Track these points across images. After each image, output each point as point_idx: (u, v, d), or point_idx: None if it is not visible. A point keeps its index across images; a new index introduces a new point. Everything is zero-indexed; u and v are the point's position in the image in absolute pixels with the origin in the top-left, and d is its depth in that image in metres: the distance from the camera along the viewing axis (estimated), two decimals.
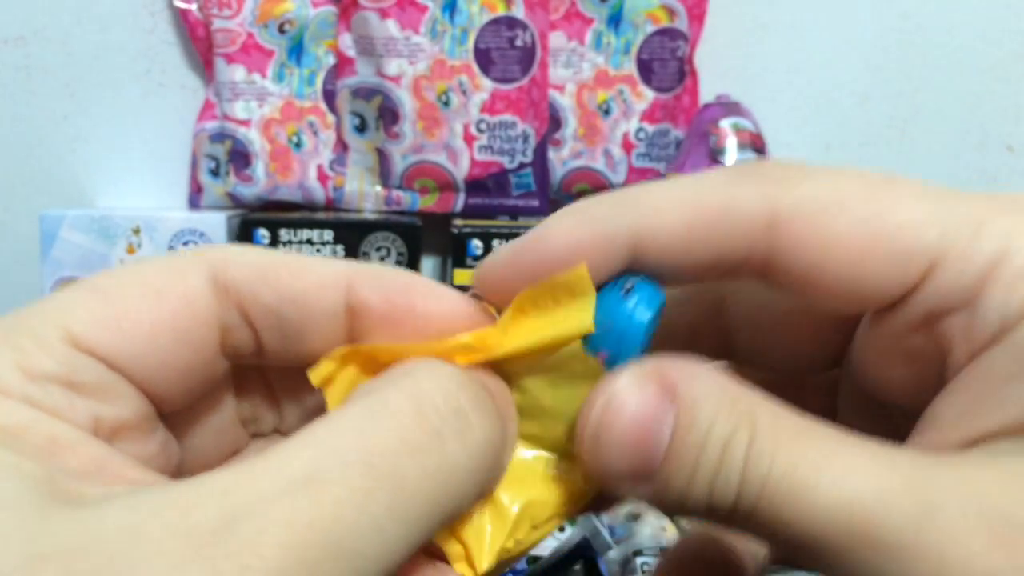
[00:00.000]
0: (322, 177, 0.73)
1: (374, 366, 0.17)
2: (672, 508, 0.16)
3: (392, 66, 0.70)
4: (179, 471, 0.18)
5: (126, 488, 0.13)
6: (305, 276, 0.17)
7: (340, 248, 0.67)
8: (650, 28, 0.72)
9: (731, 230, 0.16)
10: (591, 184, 0.74)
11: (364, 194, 0.74)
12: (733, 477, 0.15)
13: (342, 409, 0.14)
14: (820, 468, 0.14)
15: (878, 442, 0.15)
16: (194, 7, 0.71)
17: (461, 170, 0.72)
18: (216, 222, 0.67)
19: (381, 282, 0.17)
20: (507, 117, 0.71)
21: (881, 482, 0.14)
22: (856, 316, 0.18)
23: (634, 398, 0.15)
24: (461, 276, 0.67)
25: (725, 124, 0.67)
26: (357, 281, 0.17)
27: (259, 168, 0.72)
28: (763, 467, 0.14)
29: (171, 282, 0.16)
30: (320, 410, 0.18)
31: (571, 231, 0.17)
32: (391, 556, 0.13)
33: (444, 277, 0.74)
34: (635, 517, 0.49)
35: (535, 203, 0.73)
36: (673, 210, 0.17)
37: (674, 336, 0.20)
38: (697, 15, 0.72)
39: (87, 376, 0.15)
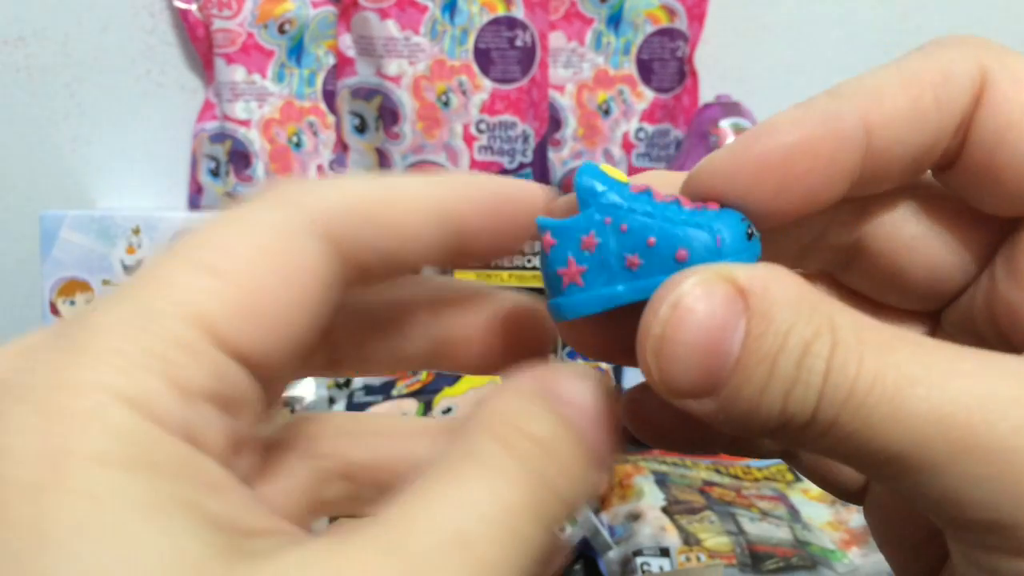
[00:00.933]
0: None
1: None
2: (739, 425, 0.14)
3: (392, 66, 0.70)
4: None
5: (282, 541, 0.13)
6: (400, 205, 0.16)
7: None
8: (650, 28, 0.72)
9: (950, 100, 0.15)
10: None
11: None
12: (812, 387, 0.13)
13: (460, 467, 0.14)
14: (914, 375, 0.13)
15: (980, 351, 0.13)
16: (194, 7, 0.71)
17: (461, 170, 0.72)
18: None
19: (481, 200, 0.17)
20: (507, 117, 0.71)
21: (988, 388, 0.13)
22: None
23: (702, 303, 0.14)
24: (461, 276, 0.67)
25: (725, 124, 0.67)
26: (456, 198, 0.17)
27: (259, 168, 0.72)
28: (848, 375, 0.13)
29: (289, 251, 0.14)
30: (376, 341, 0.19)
31: (800, 122, 0.15)
32: None
33: None
34: (635, 517, 0.49)
35: None
36: (895, 86, 0.16)
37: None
38: (697, 15, 0.72)
39: (238, 388, 0.14)
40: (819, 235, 0.18)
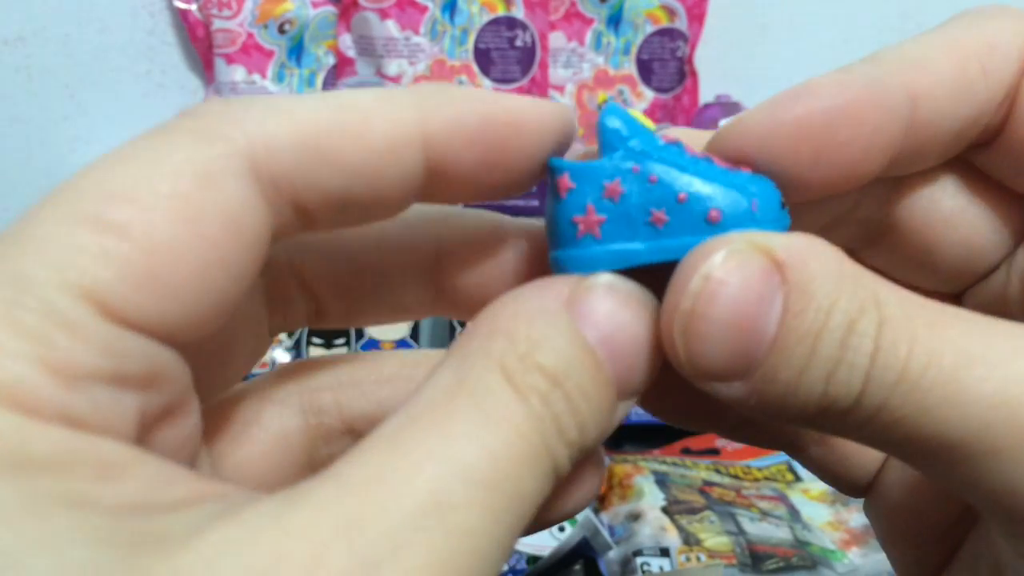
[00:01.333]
0: None
1: None
2: (772, 410, 0.13)
3: (392, 66, 0.70)
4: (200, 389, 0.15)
5: (207, 512, 0.11)
6: (369, 136, 0.13)
7: None
8: (650, 28, 0.72)
9: (996, 71, 0.14)
10: None
11: None
12: (858, 369, 0.12)
13: (448, 405, 0.12)
14: (973, 354, 0.12)
15: None
16: (194, 7, 0.71)
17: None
18: None
19: (462, 124, 0.14)
20: None
21: None
22: None
23: (735, 277, 0.13)
24: None
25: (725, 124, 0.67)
26: (432, 125, 0.14)
27: None
28: (899, 355, 0.12)
29: (208, 199, 0.12)
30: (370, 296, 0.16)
31: (845, 86, 0.14)
32: (504, 561, 0.12)
33: None
34: (635, 517, 0.49)
35: (535, 203, 0.73)
36: (940, 55, 0.14)
37: None
38: (697, 15, 0.72)
39: (136, 363, 0.12)
40: (848, 209, 0.17)
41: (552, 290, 0.14)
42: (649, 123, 0.15)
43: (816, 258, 0.13)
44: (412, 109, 0.13)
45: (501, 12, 0.70)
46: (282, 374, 0.17)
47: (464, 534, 0.11)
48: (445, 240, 0.17)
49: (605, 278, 0.14)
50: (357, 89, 0.14)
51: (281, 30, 0.72)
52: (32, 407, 0.10)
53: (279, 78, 0.73)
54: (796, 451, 0.19)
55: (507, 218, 0.17)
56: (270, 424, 0.17)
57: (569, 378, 0.13)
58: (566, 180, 0.15)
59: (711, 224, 0.14)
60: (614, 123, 0.15)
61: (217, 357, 0.16)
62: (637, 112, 0.15)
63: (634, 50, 0.72)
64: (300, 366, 0.18)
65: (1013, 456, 0.12)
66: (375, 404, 0.17)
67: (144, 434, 0.12)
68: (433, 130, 0.14)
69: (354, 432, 0.17)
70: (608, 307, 0.14)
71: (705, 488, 0.53)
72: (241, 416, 0.16)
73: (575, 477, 0.15)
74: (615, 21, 0.72)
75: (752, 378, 0.13)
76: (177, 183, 0.12)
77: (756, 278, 0.13)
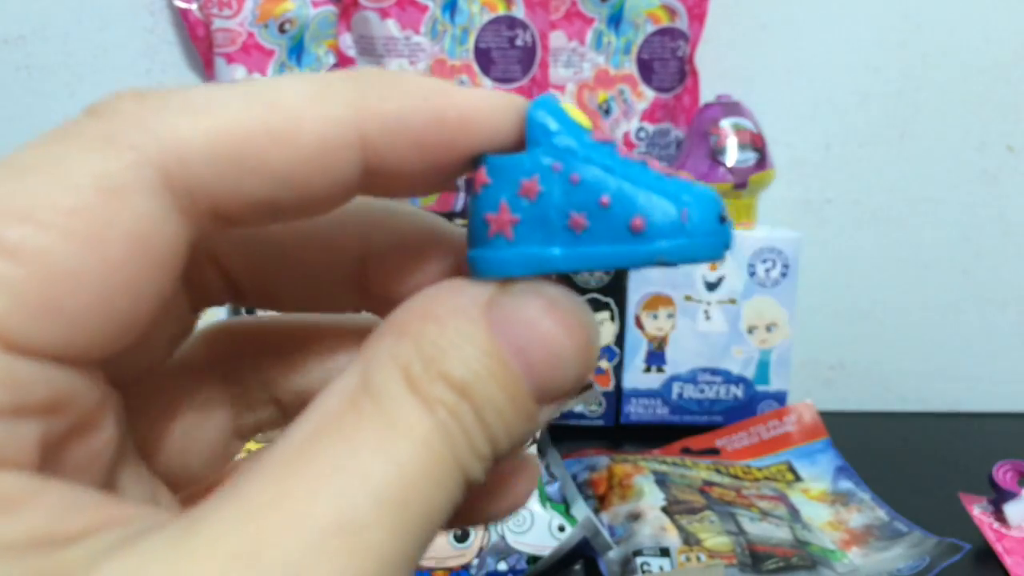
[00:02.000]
0: None
1: None
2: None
3: (392, 66, 0.70)
4: (134, 409, 0.14)
5: (108, 542, 0.10)
6: (300, 140, 0.12)
7: None
8: (650, 28, 0.72)
9: None
10: None
11: None
12: None
13: (353, 414, 0.12)
14: None
15: None
16: (194, 7, 0.71)
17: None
18: None
19: (405, 124, 0.13)
20: None
21: None
22: None
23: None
24: None
25: (725, 124, 0.67)
26: (371, 125, 0.12)
27: None
28: None
29: (110, 214, 0.11)
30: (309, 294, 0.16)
31: None
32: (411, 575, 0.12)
33: None
34: (635, 517, 0.49)
35: None
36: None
37: None
38: (697, 15, 0.72)
39: (36, 392, 0.11)
40: None
41: (471, 292, 0.13)
42: (585, 119, 0.14)
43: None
44: (349, 106, 0.12)
45: (501, 11, 0.70)
46: (206, 339, 0.17)
47: (372, 555, 0.10)
48: (373, 241, 0.16)
49: (529, 282, 0.13)
50: (289, 78, 0.12)
51: (281, 29, 0.72)
52: None
53: None
54: None
55: (445, 224, 0.16)
56: (194, 396, 0.16)
57: (477, 390, 0.12)
58: (482, 174, 0.14)
59: (634, 233, 0.13)
60: (541, 116, 0.13)
61: (132, 349, 0.15)
62: (572, 106, 0.14)
63: (635, 49, 0.72)
64: (222, 331, 0.17)
65: None
66: (298, 376, 0.16)
67: (49, 457, 0.11)
68: (372, 130, 0.12)
69: (277, 402, 0.17)
70: (530, 314, 0.13)
71: (705, 488, 0.53)
72: (166, 390, 0.16)
73: (501, 483, 0.15)
74: (616, 20, 0.72)
75: None
76: (78, 199, 0.11)
77: None
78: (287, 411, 0.17)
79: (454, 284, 0.13)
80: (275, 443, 0.11)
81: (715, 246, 0.13)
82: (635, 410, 0.65)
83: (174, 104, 0.12)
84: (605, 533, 0.47)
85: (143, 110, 0.12)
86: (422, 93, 0.13)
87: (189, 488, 0.16)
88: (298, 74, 0.13)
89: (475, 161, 0.14)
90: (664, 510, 0.49)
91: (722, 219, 0.13)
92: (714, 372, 0.65)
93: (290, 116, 0.12)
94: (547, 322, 0.13)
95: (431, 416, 0.12)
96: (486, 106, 0.13)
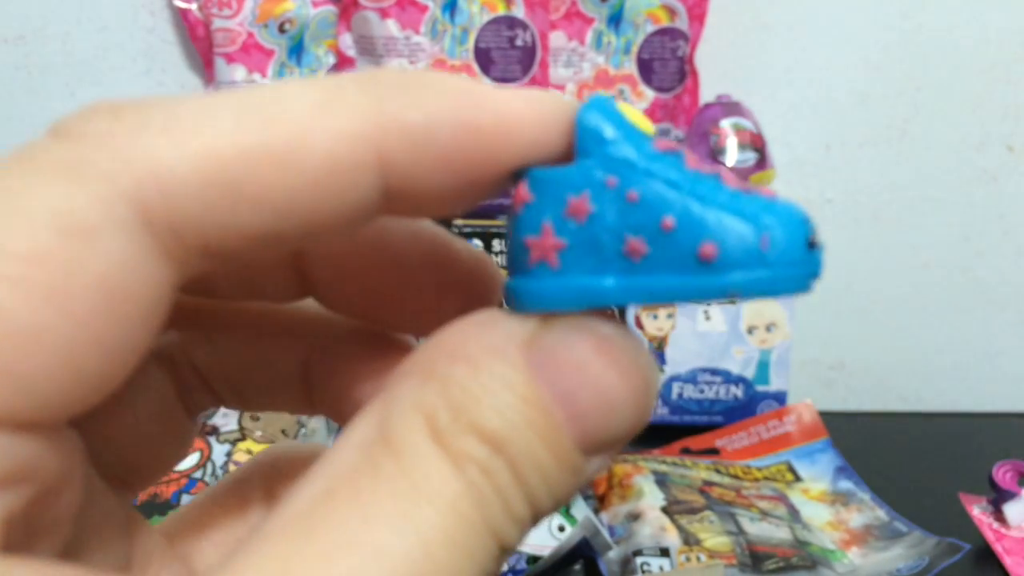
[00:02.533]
0: None
1: None
2: None
3: (392, 66, 0.70)
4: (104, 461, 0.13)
5: None
6: (306, 163, 0.10)
7: None
8: (650, 28, 0.72)
9: None
10: None
11: None
12: None
13: (370, 472, 0.10)
14: None
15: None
16: (194, 7, 0.71)
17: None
18: None
19: (431, 136, 0.11)
20: None
21: None
22: None
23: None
24: None
25: (725, 124, 0.67)
26: (391, 140, 0.10)
27: None
28: None
29: (75, 259, 0.09)
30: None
31: None
32: None
33: None
34: (635, 517, 0.49)
35: None
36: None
37: None
38: (697, 15, 0.72)
39: (8, 462, 0.09)
40: None
41: (508, 327, 0.11)
42: (647, 124, 0.12)
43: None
44: (365, 118, 0.10)
45: (501, 11, 0.70)
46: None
47: None
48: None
49: (577, 317, 0.11)
50: (293, 85, 0.10)
51: (281, 29, 0.72)
52: None
53: (279, 77, 0.72)
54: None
55: (444, 234, 0.14)
56: (146, 380, 0.14)
57: (514, 444, 0.10)
58: (523, 190, 0.12)
59: (703, 262, 0.11)
60: (594, 121, 0.11)
61: (123, 451, 0.14)
62: (632, 109, 0.12)
63: (635, 49, 0.72)
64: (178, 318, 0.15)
65: None
66: (233, 361, 0.15)
67: (14, 529, 0.10)
68: (393, 146, 0.10)
69: (212, 393, 0.15)
70: (578, 355, 0.11)
71: (705, 488, 0.53)
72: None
73: None
74: (616, 20, 0.72)
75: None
76: (36, 242, 0.09)
77: None
78: (229, 398, 0.16)
79: (489, 317, 0.11)
80: (281, 506, 0.10)
81: (801, 278, 0.11)
82: None
83: (154, 122, 0.10)
84: (605, 533, 0.47)
85: (117, 130, 0.10)
86: (450, 95, 0.11)
87: (154, 475, 0.15)
88: (304, 79, 0.11)
89: (516, 174, 0.12)
90: (664, 510, 0.49)
91: (811, 245, 0.11)
92: (714, 372, 0.65)
93: (294, 133, 0.10)
94: (598, 364, 0.11)
95: (460, 476, 0.10)
96: (528, 111, 0.11)
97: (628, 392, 0.11)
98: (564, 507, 0.49)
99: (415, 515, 0.10)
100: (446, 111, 0.11)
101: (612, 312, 0.12)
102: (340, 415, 0.15)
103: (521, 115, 0.11)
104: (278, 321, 0.15)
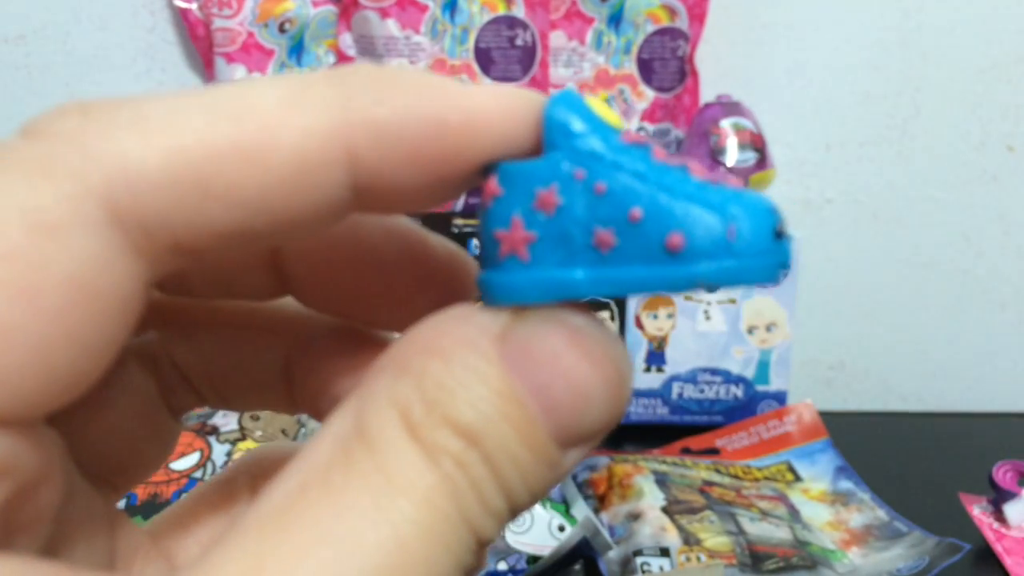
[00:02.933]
0: None
1: None
2: None
3: (392, 66, 0.70)
4: (84, 458, 0.13)
5: None
6: (275, 159, 0.10)
7: None
8: (651, 28, 0.72)
9: None
10: None
11: None
12: None
13: (344, 466, 0.10)
14: None
15: None
16: (194, 6, 0.71)
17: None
18: None
19: (400, 133, 0.11)
20: None
21: None
22: None
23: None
24: None
25: (726, 124, 0.67)
26: (359, 136, 0.11)
27: None
28: None
29: (44, 256, 0.09)
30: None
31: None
32: None
33: None
34: (635, 517, 0.49)
35: None
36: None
37: None
38: (698, 15, 0.72)
39: None
40: None
41: (480, 321, 0.11)
42: (614, 118, 0.12)
43: None
44: (332, 115, 0.10)
45: (501, 11, 0.70)
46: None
47: None
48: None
49: (548, 310, 0.11)
50: (262, 82, 0.11)
51: (281, 29, 0.72)
52: None
53: None
54: None
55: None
56: (119, 380, 0.15)
57: (489, 436, 0.10)
58: (493, 184, 0.12)
59: (671, 253, 0.11)
60: (562, 115, 0.11)
61: (104, 447, 0.14)
62: (599, 102, 0.12)
63: (635, 49, 0.72)
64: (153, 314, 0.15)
65: None
66: (215, 360, 0.15)
67: (6, 515, 0.10)
68: (361, 142, 0.11)
69: (195, 391, 0.16)
70: (551, 347, 0.11)
71: (705, 488, 0.53)
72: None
73: None
74: (616, 20, 0.72)
75: None
76: (6, 239, 0.09)
77: None
78: (210, 397, 0.16)
79: (461, 312, 0.11)
80: (258, 501, 0.10)
81: (768, 268, 0.11)
82: (635, 410, 0.65)
83: (123, 120, 0.10)
84: (605, 533, 0.47)
85: (86, 129, 0.10)
86: (418, 92, 0.11)
87: (139, 475, 0.15)
88: (274, 76, 0.11)
89: (486, 168, 0.12)
90: (664, 510, 0.49)
91: (778, 234, 0.11)
92: (714, 372, 0.65)
93: (262, 129, 0.10)
94: (571, 356, 0.11)
95: (434, 468, 0.10)
96: (496, 106, 0.11)
97: (601, 383, 0.11)
98: (565, 507, 0.49)
99: (389, 508, 0.10)
100: (413, 107, 0.11)
101: (585, 304, 0.12)
102: (320, 412, 0.15)
103: (488, 110, 0.11)
104: (257, 319, 0.15)
